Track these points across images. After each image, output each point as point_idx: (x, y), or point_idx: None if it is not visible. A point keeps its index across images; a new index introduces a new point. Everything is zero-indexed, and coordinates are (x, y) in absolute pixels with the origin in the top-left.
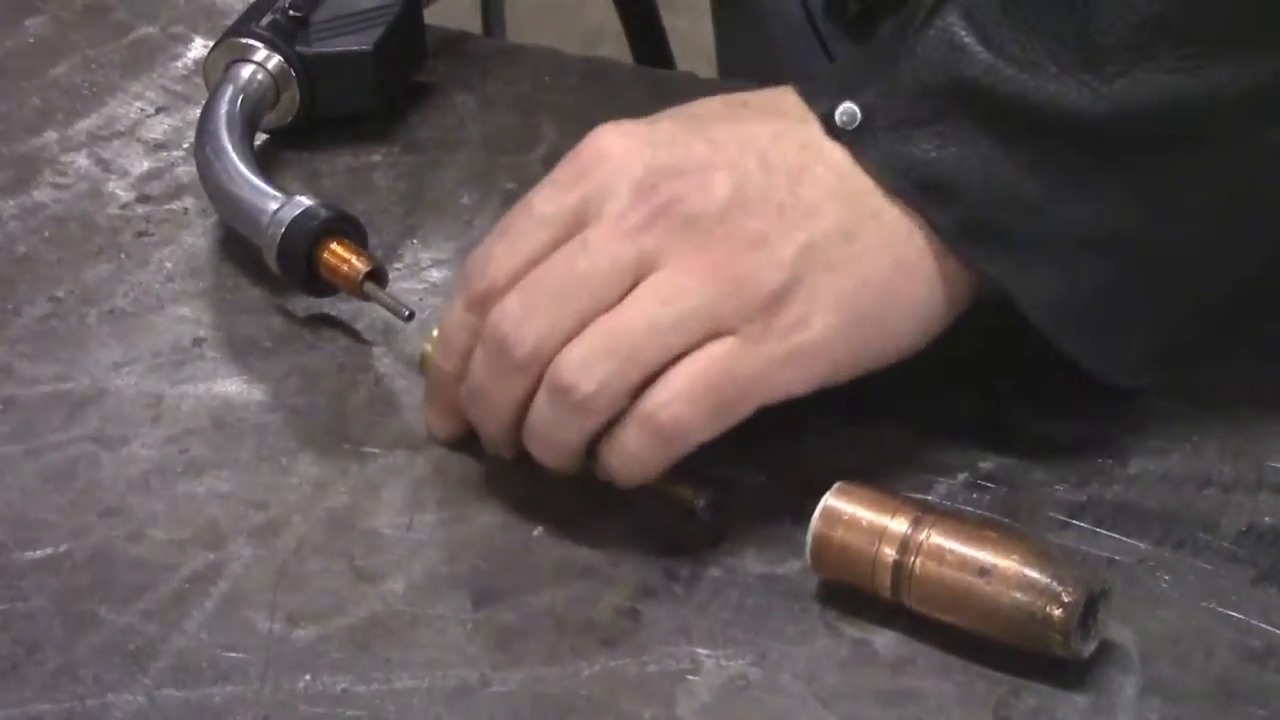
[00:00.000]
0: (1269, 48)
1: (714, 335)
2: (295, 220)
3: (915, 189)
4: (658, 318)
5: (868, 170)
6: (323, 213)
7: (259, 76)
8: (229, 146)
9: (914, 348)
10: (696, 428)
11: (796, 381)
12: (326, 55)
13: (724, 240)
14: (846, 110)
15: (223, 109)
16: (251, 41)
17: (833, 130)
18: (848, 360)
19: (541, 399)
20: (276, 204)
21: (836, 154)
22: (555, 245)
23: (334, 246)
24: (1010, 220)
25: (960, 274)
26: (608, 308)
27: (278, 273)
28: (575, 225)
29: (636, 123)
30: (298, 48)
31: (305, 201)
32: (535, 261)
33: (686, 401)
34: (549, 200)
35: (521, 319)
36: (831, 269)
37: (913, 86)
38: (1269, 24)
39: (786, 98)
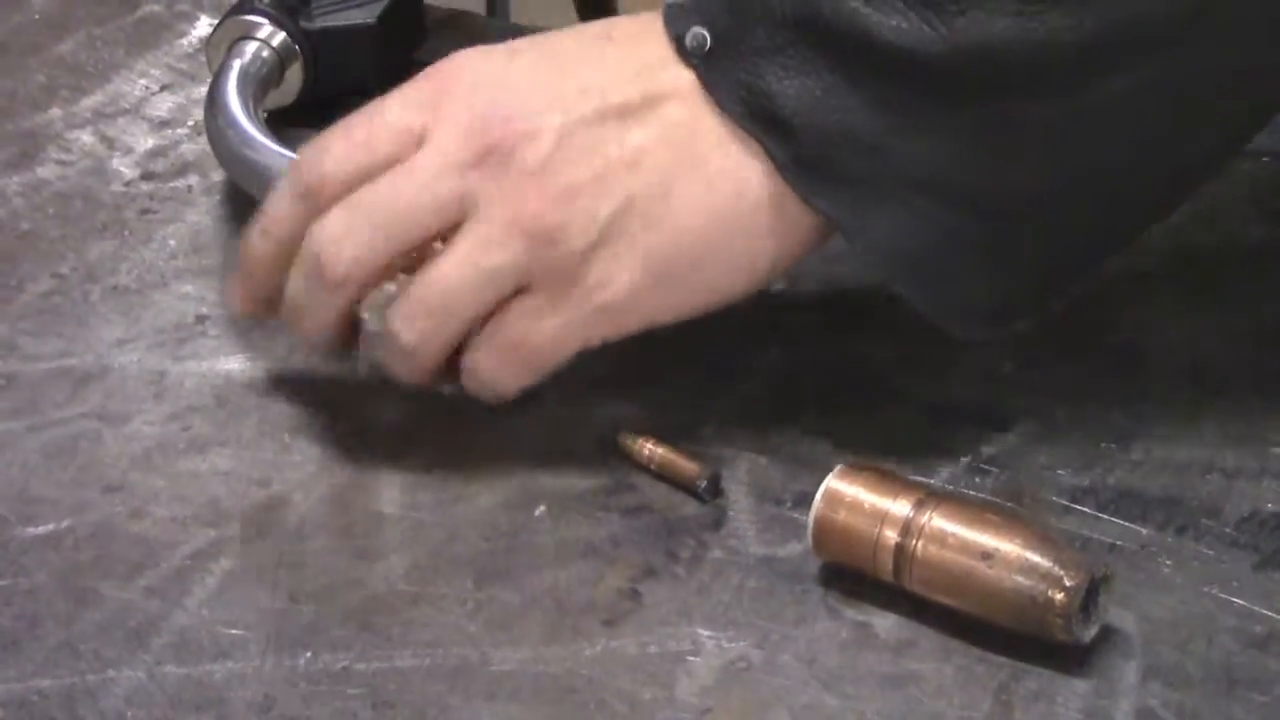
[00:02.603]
0: None
1: (523, 289)
2: None
3: (756, 119)
4: (467, 275)
5: (712, 97)
6: None
7: (264, 53)
8: (241, 116)
9: (749, 288)
10: (511, 382)
11: (604, 335)
12: (330, 30)
13: (539, 193)
14: (696, 35)
15: (231, 83)
16: (255, 18)
17: (684, 54)
18: (661, 312)
19: (371, 344)
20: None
21: (686, 81)
22: (390, 161)
23: None
24: (848, 157)
25: (800, 211)
26: (425, 238)
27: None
28: (413, 144)
29: (498, 53)
30: (301, 23)
31: None
32: (367, 173)
33: (496, 362)
34: (396, 113)
35: (341, 239)
36: (645, 224)
37: (762, 14)
38: None
39: (655, 24)
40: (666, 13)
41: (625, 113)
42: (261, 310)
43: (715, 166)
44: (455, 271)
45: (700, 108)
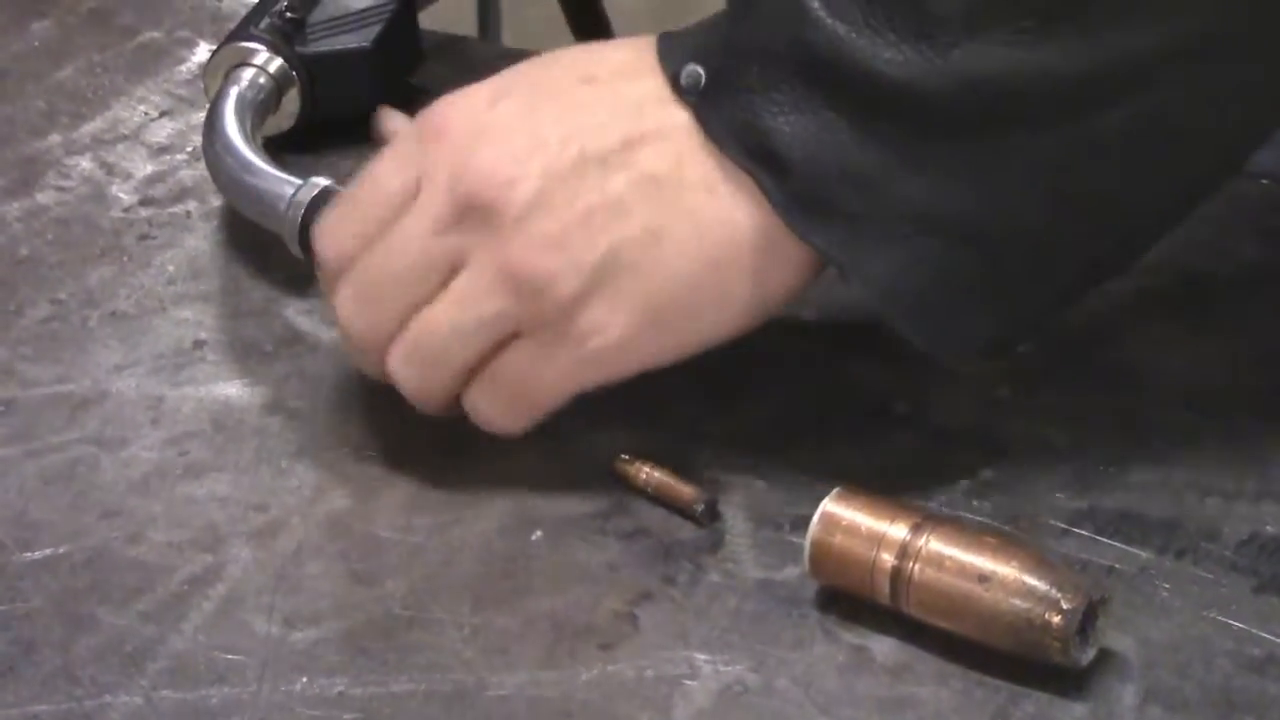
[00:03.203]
0: (1103, 28)
1: (515, 336)
2: (314, 200)
3: (752, 157)
4: (457, 323)
5: (708, 135)
6: (342, 190)
7: (261, 79)
8: (239, 141)
9: (745, 327)
10: (510, 426)
11: (599, 379)
12: (326, 54)
13: (523, 243)
14: (691, 73)
15: (228, 108)
16: (252, 44)
17: (678, 91)
18: (655, 356)
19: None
20: (293, 188)
21: (680, 119)
22: (388, 221)
23: None
24: (845, 194)
25: (794, 249)
26: (428, 299)
27: (300, 255)
28: (408, 201)
29: (481, 98)
30: (297, 48)
31: (322, 182)
32: (369, 237)
33: (493, 405)
34: (387, 177)
35: (351, 316)
36: (635, 271)
37: (756, 50)
38: (1102, 2)
39: (645, 57)
40: (661, 48)
41: (606, 160)
42: None
43: (704, 209)
44: (446, 319)
45: (687, 147)
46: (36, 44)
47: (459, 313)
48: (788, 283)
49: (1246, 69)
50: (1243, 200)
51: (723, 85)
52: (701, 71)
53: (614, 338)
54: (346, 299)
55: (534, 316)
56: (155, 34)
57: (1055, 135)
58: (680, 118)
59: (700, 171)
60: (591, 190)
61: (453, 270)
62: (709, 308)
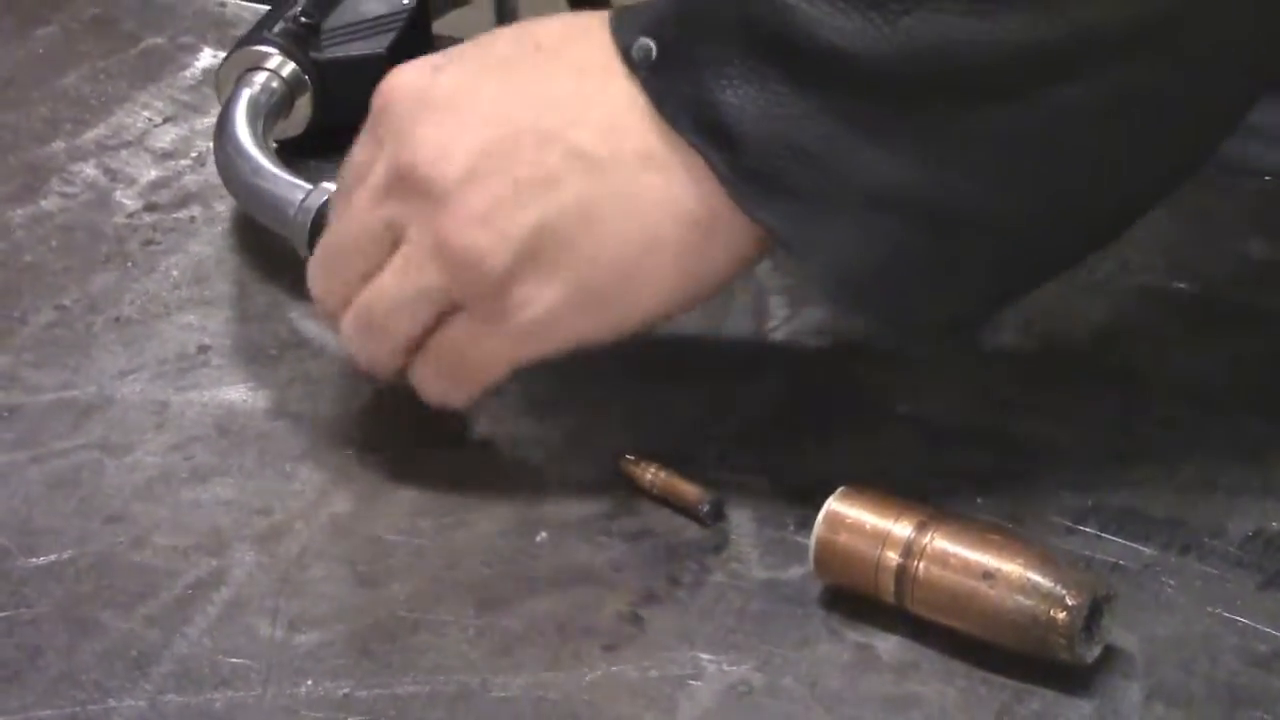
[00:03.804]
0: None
1: (453, 308)
2: (324, 206)
3: (700, 131)
4: (398, 294)
5: (657, 109)
6: None
7: (273, 84)
8: (250, 145)
9: (686, 304)
10: (455, 398)
11: (536, 353)
12: (341, 60)
13: (454, 215)
14: (642, 46)
15: (240, 112)
16: (266, 49)
17: (629, 64)
18: (591, 331)
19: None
20: (303, 193)
21: (626, 90)
22: (349, 193)
23: None
24: (795, 168)
25: (740, 226)
26: (377, 268)
27: (307, 259)
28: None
29: (425, 69)
30: (311, 54)
31: (331, 187)
32: (339, 210)
33: (435, 377)
34: (358, 147)
35: (315, 280)
36: (564, 245)
37: (706, 23)
38: None
39: (596, 30)
40: (613, 21)
41: (544, 133)
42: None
43: (643, 186)
44: (388, 292)
45: (629, 121)
46: (41, 51)
47: (399, 284)
48: (732, 260)
49: (1204, 65)
50: (1246, 197)
51: (673, 59)
52: (652, 45)
53: (544, 312)
54: (314, 265)
55: (467, 290)
56: (159, 40)
57: (1009, 110)
58: (626, 90)
59: (642, 146)
60: (525, 164)
61: (395, 242)
62: (647, 284)
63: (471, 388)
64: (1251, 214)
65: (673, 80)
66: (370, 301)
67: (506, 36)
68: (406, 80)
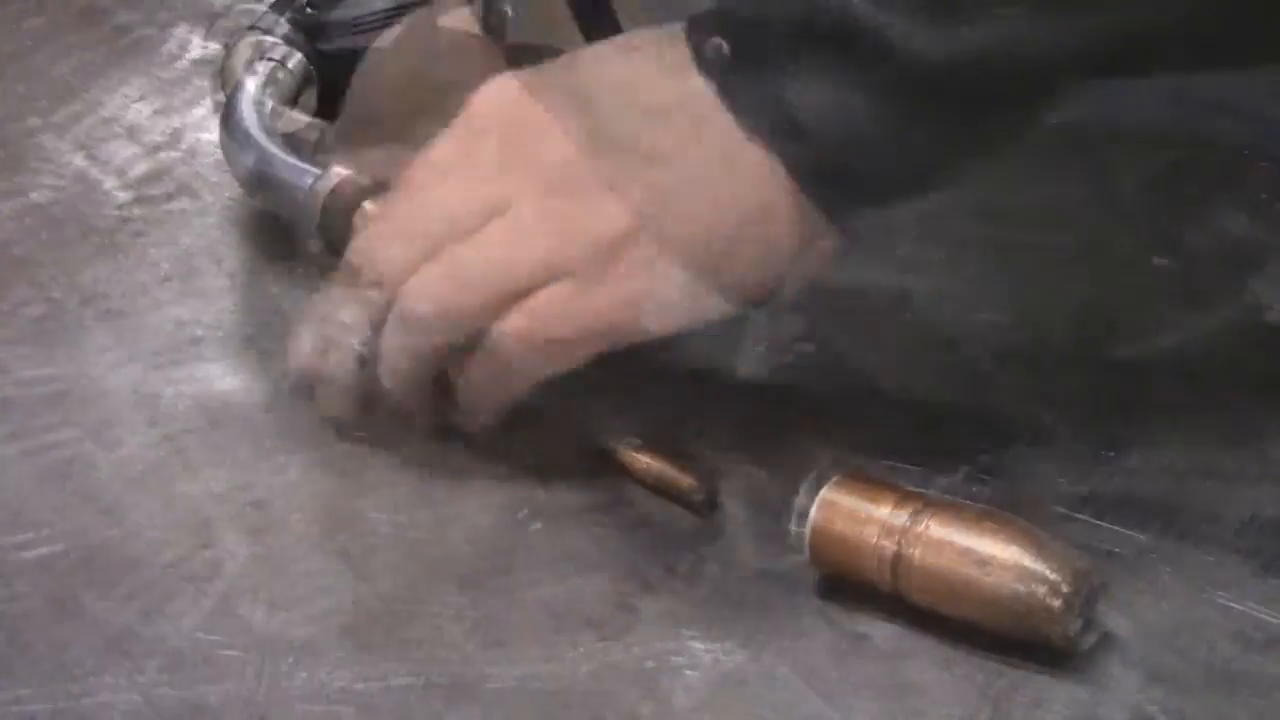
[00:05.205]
0: (1101, 6)
1: (554, 277)
2: (336, 189)
3: (772, 129)
4: (496, 253)
5: (729, 108)
6: (361, 179)
7: (279, 75)
8: (256, 131)
9: (764, 294)
10: (533, 364)
11: (634, 327)
12: (347, 52)
13: (570, 186)
14: (714, 46)
15: (246, 100)
16: (272, 39)
17: (703, 65)
18: (689, 307)
19: (390, 322)
20: (312, 177)
21: (703, 90)
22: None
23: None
24: (860, 163)
25: (814, 217)
26: (466, 234)
27: (318, 243)
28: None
29: (523, 72)
30: (318, 45)
31: (342, 171)
32: None
33: (522, 339)
34: (441, 150)
35: (376, 247)
36: (678, 216)
37: (776, 23)
38: None
39: (675, 32)
40: (688, 22)
41: (652, 110)
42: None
43: (738, 167)
44: (483, 249)
45: (716, 114)
46: (29, 41)
47: (498, 244)
48: (807, 242)
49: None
50: (1243, 183)
51: (746, 59)
52: (725, 45)
53: (655, 279)
54: (382, 234)
55: (577, 256)
56: (149, 31)
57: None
58: (701, 87)
59: (729, 135)
60: (635, 135)
61: (495, 213)
62: (749, 258)
63: (559, 356)
64: (1248, 199)
65: (744, 79)
66: (464, 258)
67: (610, 43)
68: (501, 88)
